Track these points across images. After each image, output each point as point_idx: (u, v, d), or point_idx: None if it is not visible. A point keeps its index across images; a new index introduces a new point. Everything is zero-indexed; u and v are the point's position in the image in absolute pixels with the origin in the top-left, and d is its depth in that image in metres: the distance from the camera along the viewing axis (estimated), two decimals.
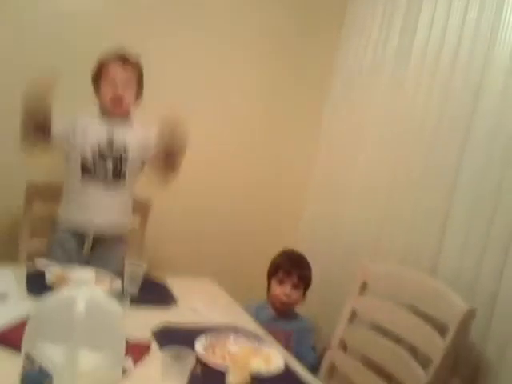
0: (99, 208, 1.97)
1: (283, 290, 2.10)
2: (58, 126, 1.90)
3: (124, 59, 1.94)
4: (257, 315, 1.86)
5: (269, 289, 2.17)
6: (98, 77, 1.95)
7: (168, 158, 1.91)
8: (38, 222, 2.12)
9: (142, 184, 2.08)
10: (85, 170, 1.95)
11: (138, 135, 1.99)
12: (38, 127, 1.83)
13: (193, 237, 2.55)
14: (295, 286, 2.11)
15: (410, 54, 2.09)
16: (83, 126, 1.95)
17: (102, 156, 1.94)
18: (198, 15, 2.44)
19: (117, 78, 1.92)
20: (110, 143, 1.95)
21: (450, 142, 1.84)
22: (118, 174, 1.96)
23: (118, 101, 1.93)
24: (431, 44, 2.00)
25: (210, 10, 2.46)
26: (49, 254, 1.97)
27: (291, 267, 2.11)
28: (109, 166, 1.95)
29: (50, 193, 2.09)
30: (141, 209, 2.22)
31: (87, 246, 2.00)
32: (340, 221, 2.32)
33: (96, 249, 2.01)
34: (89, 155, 1.94)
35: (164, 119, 1.82)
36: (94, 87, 1.98)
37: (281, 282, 2.11)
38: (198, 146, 2.33)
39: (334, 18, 2.61)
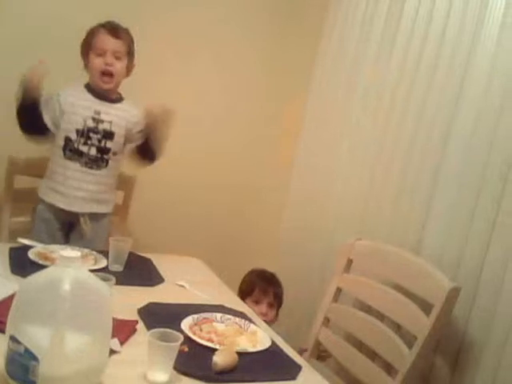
0: (82, 186, 1.93)
1: (260, 310, 2.02)
2: (46, 117, 1.88)
3: (114, 29, 1.91)
4: None
5: None
6: (88, 48, 1.91)
7: (149, 143, 1.93)
8: (21, 200, 2.08)
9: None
10: (68, 148, 1.91)
11: (124, 113, 1.96)
12: (31, 118, 1.83)
13: (179, 216, 2.52)
14: (270, 305, 2.08)
15: (392, 49, 2.07)
16: (69, 104, 1.91)
17: (87, 134, 1.91)
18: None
19: (107, 48, 1.89)
20: (96, 121, 1.91)
21: (435, 122, 1.83)
22: (102, 151, 1.93)
23: (107, 73, 1.90)
24: (414, 41, 1.98)
25: None
26: (32, 232, 1.94)
27: (267, 285, 2.09)
28: (94, 144, 1.91)
29: (33, 169, 2.06)
30: (125, 184, 2.20)
31: (84, 222, 1.96)
32: (325, 200, 2.31)
33: (80, 228, 1.98)
34: (73, 134, 1.90)
35: (150, 104, 1.85)
36: (84, 60, 1.93)
37: (257, 302, 2.06)
38: (185, 136, 2.35)
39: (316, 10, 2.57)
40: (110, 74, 1.90)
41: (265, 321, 1.99)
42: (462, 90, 1.76)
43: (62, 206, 1.94)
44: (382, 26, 2.15)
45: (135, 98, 2.01)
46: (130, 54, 1.95)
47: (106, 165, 1.95)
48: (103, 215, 2.02)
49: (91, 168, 1.93)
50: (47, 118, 1.90)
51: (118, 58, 1.91)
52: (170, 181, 2.43)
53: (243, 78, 2.59)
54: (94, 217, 1.99)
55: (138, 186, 2.26)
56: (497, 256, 1.56)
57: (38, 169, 2.02)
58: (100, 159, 1.93)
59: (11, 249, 1.70)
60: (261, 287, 2.09)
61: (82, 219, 1.96)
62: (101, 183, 1.97)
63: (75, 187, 1.93)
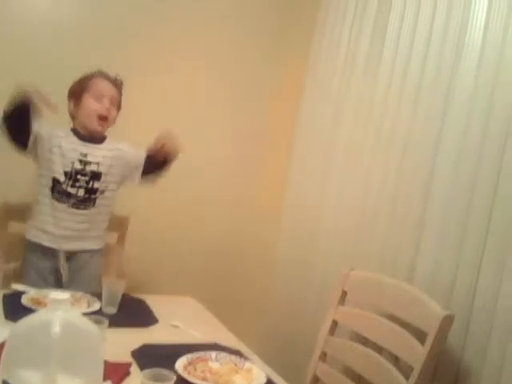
0: (69, 225, 1.95)
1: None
2: (38, 128, 1.89)
3: (112, 78, 1.97)
4: None
5: None
6: (82, 90, 1.94)
7: (157, 163, 1.99)
8: (14, 244, 2.09)
9: (120, 200, 2.07)
10: (56, 190, 1.94)
11: (110, 152, 1.99)
12: (19, 119, 1.82)
13: (172, 255, 2.53)
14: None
15: (379, 63, 2.13)
16: (58, 145, 1.93)
17: (75, 177, 1.93)
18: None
19: (105, 93, 1.93)
20: (83, 163, 1.94)
21: (422, 151, 1.86)
22: (90, 191, 1.95)
23: (103, 117, 1.93)
24: (401, 46, 2.03)
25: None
26: (23, 277, 1.95)
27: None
28: (82, 185, 1.94)
29: (25, 213, 2.07)
30: (118, 225, 2.21)
31: (62, 265, 1.97)
32: (316, 232, 2.32)
33: (71, 267, 1.99)
34: (62, 176, 1.93)
35: (160, 132, 1.91)
36: (73, 102, 1.96)
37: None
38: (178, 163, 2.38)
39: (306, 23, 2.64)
40: (105, 118, 1.94)
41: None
42: (448, 104, 1.79)
43: (48, 244, 1.95)
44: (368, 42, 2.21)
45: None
46: (119, 104, 2.01)
47: (94, 204, 1.97)
48: (93, 252, 2.03)
49: (78, 208, 1.95)
50: (39, 128, 1.89)
51: (112, 104, 1.96)
52: (162, 220, 2.46)
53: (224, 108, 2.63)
54: (83, 254, 1.99)
55: (130, 227, 2.27)
56: (488, 281, 1.57)
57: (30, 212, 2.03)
58: (88, 199, 1.96)
59: (4, 295, 1.70)
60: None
61: (60, 257, 1.96)
62: (88, 221, 1.99)
63: (62, 226, 1.95)
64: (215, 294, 2.12)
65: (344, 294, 1.89)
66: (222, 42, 2.57)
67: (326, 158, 2.34)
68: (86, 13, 2.36)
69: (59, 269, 1.97)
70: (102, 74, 1.97)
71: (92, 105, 1.93)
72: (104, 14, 2.37)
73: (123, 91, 2.02)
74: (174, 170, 2.41)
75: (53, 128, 1.95)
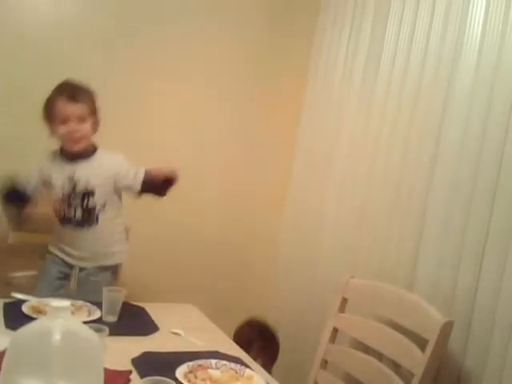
0: (76, 245, 1.98)
1: None
2: (29, 185, 1.91)
3: (72, 94, 1.86)
4: None
5: None
6: (50, 118, 1.89)
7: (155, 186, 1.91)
8: (20, 255, 2.10)
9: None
10: (57, 213, 1.96)
11: (99, 167, 1.94)
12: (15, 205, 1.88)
13: (172, 263, 2.53)
14: (265, 365, 1.90)
15: (377, 68, 2.14)
16: (47, 175, 1.94)
17: (67, 199, 1.93)
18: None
19: (69, 114, 1.86)
20: (73, 184, 1.92)
21: (420, 158, 1.88)
22: (88, 210, 1.94)
23: (73, 138, 1.88)
24: (398, 55, 2.05)
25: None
26: (37, 284, 1.97)
27: (267, 345, 1.97)
28: (77, 207, 1.93)
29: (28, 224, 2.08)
30: None
31: (73, 280, 1.99)
32: (316, 240, 2.33)
33: (81, 280, 2.00)
34: (57, 204, 1.94)
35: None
36: (48, 127, 1.91)
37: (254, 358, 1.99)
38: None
39: (304, 36, 2.65)
40: (76, 138, 1.89)
41: None
42: (445, 115, 1.81)
43: (66, 259, 1.99)
44: (365, 53, 2.24)
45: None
46: (94, 111, 1.92)
47: (97, 221, 1.95)
48: (104, 267, 2.01)
49: (82, 228, 1.95)
50: (30, 185, 1.91)
51: (82, 120, 1.87)
52: (163, 227, 2.45)
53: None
54: (94, 270, 2.00)
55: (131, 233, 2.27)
56: (489, 286, 1.58)
57: (33, 224, 2.04)
58: (88, 218, 1.94)
59: (5, 304, 1.71)
60: (260, 345, 1.96)
61: (73, 272, 1.98)
62: (98, 238, 1.98)
63: (75, 246, 1.98)
64: (216, 302, 2.12)
65: (344, 301, 1.89)
66: (222, 53, 2.59)
67: (327, 156, 2.37)
68: (85, 13, 2.37)
69: (70, 279, 2.00)
70: (62, 93, 1.87)
71: (60, 130, 1.87)
72: (103, 14, 2.37)
73: (96, 95, 1.93)
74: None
75: (43, 159, 1.95)
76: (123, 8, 2.39)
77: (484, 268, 1.60)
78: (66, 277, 2.00)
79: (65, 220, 1.95)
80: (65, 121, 1.86)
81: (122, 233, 2.07)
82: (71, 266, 2.00)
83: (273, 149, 2.67)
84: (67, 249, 1.99)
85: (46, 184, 1.95)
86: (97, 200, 1.94)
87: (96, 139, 1.97)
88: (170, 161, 2.41)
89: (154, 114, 2.46)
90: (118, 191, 2.00)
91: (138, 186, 1.92)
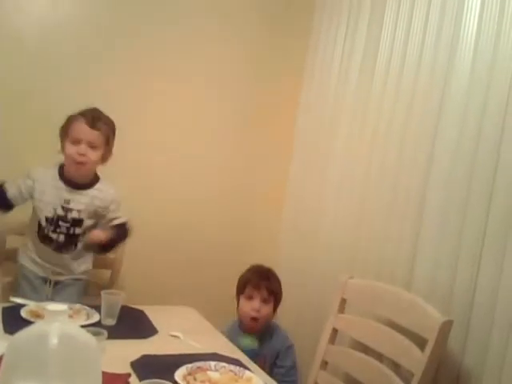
0: (57, 263, 1.97)
1: (252, 306, 2.02)
2: (12, 190, 1.91)
3: (93, 120, 1.88)
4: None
5: (238, 308, 2.10)
6: (64, 135, 1.90)
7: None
8: (11, 259, 2.10)
9: None
10: (40, 233, 1.95)
11: (94, 200, 1.95)
12: None
13: (170, 265, 2.52)
14: (265, 301, 2.04)
15: (373, 68, 2.14)
16: (42, 187, 1.93)
17: (56, 223, 1.92)
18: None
19: (81, 137, 1.87)
20: (66, 210, 1.92)
21: (416, 158, 1.88)
22: (71, 237, 1.94)
23: (78, 160, 1.88)
24: (395, 51, 2.05)
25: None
26: (18, 290, 1.95)
27: (260, 280, 2.04)
28: (62, 231, 1.93)
29: (24, 228, 2.08)
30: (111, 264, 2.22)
31: (47, 291, 1.97)
32: (315, 240, 2.33)
33: (56, 289, 1.99)
34: (43, 221, 1.93)
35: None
36: (61, 143, 1.92)
37: (249, 298, 2.05)
38: (173, 171, 2.42)
39: (300, 37, 2.65)
40: (82, 163, 1.89)
41: (258, 317, 2.01)
42: (441, 112, 1.80)
43: (41, 274, 1.98)
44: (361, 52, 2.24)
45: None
46: (108, 143, 1.93)
47: (75, 247, 1.96)
48: (76, 280, 2.02)
49: (61, 252, 1.95)
50: (11, 195, 1.91)
51: (93, 148, 1.88)
52: (160, 230, 2.45)
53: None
54: (68, 282, 2.00)
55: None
56: (487, 285, 1.57)
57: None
58: (68, 244, 1.95)
59: (4, 308, 1.70)
60: (254, 282, 2.04)
61: (47, 284, 1.97)
62: (74, 259, 1.99)
63: (51, 263, 1.97)
64: (214, 304, 2.11)
65: (343, 301, 1.89)
66: (221, 53, 2.58)
67: (324, 156, 2.37)
68: (85, 14, 2.36)
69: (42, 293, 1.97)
70: (83, 115, 1.89)
71: (68, 149, 1.88)
72: (103, 14, 2.37)
73: (115, 129, 1.96)
74: (172, 175, 2.48)
75: (40, 172, 1.94)
76: (123, 8, 2.39)
77: (482, 267, 1.60)
78: (37, 291, 1.97)
79: (46, 238, 1.94)
80: (77, 142, 1.87)
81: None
82: (45, 279, 1.97)
83: (272, 149, 2.67)
84: (42, 262, 1.97)
85: (34, 196, 1.93)
86: (82, 229, 1.95)
87: None
88: (170, 161, 2.46)
89: (154, 114, 2.45)
90: (98, 220, 1.99)
91: (111, 224, 1.95)
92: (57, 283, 1.99)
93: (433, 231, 1.76)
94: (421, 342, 1.56)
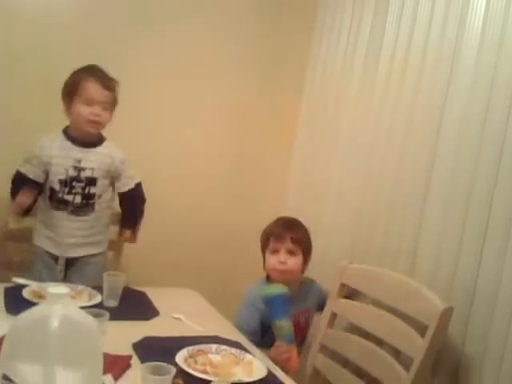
0: (72, 233, 1.95)
1: (278, 258, 1.84)
2: (28, 170, 1.92)
3: (105, 80, 1.89)
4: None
5: (264, 266, 1.92)
6: (73, 94, 1.89)
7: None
8: (17, 239, 2.10)
9: None
10: (54, 198, 1.93)
11: (105, 158, 1.95)
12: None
13: (173, 247, 2.53)
14: (291, 252, 1.85)
15: (378, 61, 2.12)
16: (48, 152, 1.92)
17: (70, 184, 1.91)
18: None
19: (96, 98, 1.87)
20: (78, 169, 1.92)
21: (421, 144, 1.86)
22: (87, 197, 1.94)
23: (93, 120, 1.88)
24: (399, 45, 2.02)
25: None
26: (32, 271, 1.95)
27: (283, 231, 1.86)
28: (78, 192, 1.92)
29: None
30: (119, 220, 2.21)
31: (60, 268, 1.98)
32: (316, 226, 2.32)
33: (72, 268, 1.99)
34: (57, 185, 1.92)
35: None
36: (66, 103, 1.92)
37: (274, 251, 1.86)
38: (175, 159, 2.41)
39: (304, 24, 2.62)
40: (97, 123, 1.90)
41: (286, 270, 1.85)
42: (445, 104, 1.79)
43: (56, 252, 1.97)
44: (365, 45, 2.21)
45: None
46: (115, 104, 1.94)
47: (93, 209, 1.96)
48: (94, 256, 2.02)
49: (78, 215, 1.94)
50: (32, 174, 1.92)
51: (105, 108, 1.89)
52: (163, 213, 2.45)
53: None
54: (84, 258, 2.00)
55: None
56: (489, 273, 1.57)
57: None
58: (86, 205, 1.94)
59: (6, 288, 1.71)
60: (276, 234, 1.87)
61: (59, 263, 1.97)
62: (91, 227, 1.98)
63: (66, 234, 1.95)
64: (216, 287, 2.12)
65: (342, 286, 1.89)
66: (221, 53, 2.57)
67: (325, 156, 2.36)
68: (84, 14, 2.34)
69: (56, 273, 1.98)
70: (93, 75, 1.88)
71: (82, 110, 1.87)
72: (103, 14, 2.34)
73: (118, 89, 1.95)
74: (175, 165, 2.49)
75: (42, 140, 1.94)
76: (123, 8, 2.37)
77: (484, 254, 1.60)
78: (51, 271, 1.98)
79: (61, 202, 1.92)
80: (90, 103, 1.87)
81: (109, 223, 2.08)
82: (56, 258, 1.97)
83: (272, 148, 2.66)
84: (57, 237, 1.95)
85: (45, 167, 1.93)
86: (97, 189, 1.94)
87: None
88: (170, 160, 2.44)
89: (154, 113, 2.43)
90: (112, 184, 2.01)
91: (126, 188, 2.01)
92: (72, 264, 1.98)
93: (436, 218, 1.76)
94: (421, 329, 1.56)
